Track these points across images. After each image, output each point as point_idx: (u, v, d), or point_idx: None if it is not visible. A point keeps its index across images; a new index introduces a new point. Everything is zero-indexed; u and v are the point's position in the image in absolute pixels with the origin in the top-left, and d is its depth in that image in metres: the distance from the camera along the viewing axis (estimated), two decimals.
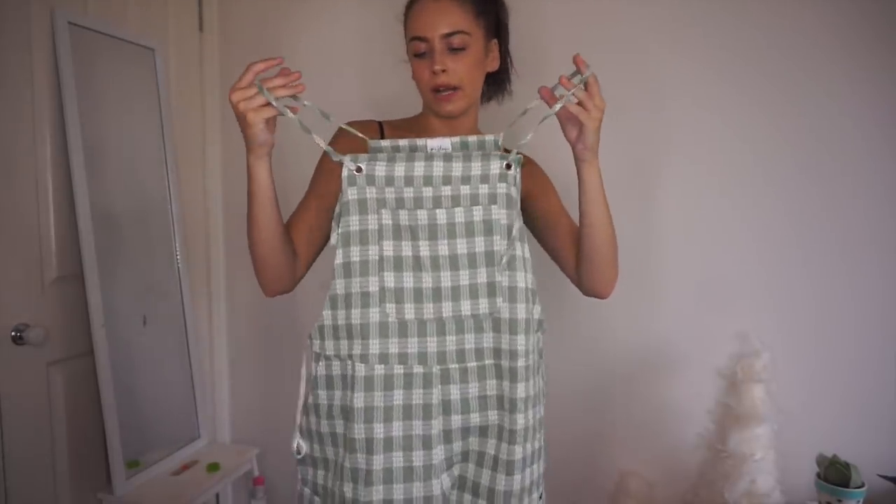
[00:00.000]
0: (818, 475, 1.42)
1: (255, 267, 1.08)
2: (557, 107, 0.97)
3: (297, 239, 1.12)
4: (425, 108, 1.20)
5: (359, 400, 0.95)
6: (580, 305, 1.19)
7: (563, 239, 1.17)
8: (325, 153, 1.01)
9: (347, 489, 0.96)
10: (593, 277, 1.13)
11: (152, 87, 1.77)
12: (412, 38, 1.11)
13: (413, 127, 1.22)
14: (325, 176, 1.14)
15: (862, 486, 1.37)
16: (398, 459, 0.95)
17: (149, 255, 1.75)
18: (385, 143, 1.00)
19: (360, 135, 1.02)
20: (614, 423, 1.71)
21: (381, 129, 1.20)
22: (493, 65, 1.19)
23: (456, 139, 0.99)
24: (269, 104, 0.93)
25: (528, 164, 1.22)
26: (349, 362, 0.97)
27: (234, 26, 1.96)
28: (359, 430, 0.95)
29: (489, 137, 1.00)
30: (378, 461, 0.94)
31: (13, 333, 1.42)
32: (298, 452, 1.06)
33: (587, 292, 1.17)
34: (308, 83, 1.98)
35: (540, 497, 1.08)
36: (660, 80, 1.60)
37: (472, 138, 1.00)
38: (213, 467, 1.78)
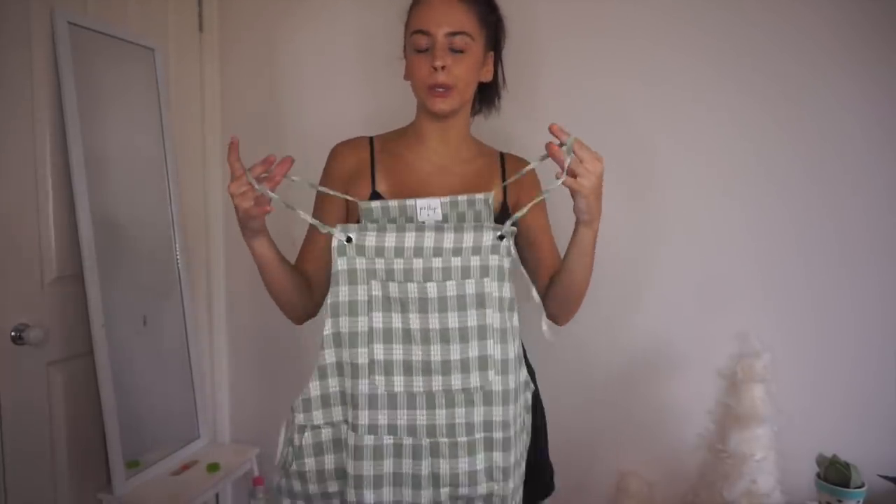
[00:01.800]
0: (818, 475, 1.42)
1: (278, 306, 1.17)
2: (558, 183, 0.96)
3: (310, 270, 1.18)
4: (417, 114, 1.21)
5: (349, 467, 0.96)
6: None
7: (541, 261, 1.21)
8: (323, 185, 1.12)
9: None
10: (558, 310, 1.19)
11: (152, 87, 1.77)
12: (415, 32, 1.12)
13: (404, 137, 1.23)
14: (326, 206, 1.19)
15: (862, 486, 1.37)
16: None
17: (149, 254, 1.75)
18: (375, 204, 1.02)
19: (344, 196, 1.08)
20: (614, 424, 1.71)
21: (371, 144, 1.22)
22: (487, 75, 1.20)
23: (446, 199, 1.01)
24: (252, 188, 0.96)
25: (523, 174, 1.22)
26: (343, 427, 0.98)
27: (234, 26, 1.96)
28: (350, 495, 0.96)
29: (479, 196, 1.01)
30: None
31: (13, 333, 1.42)
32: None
33: (548, 315, 1.19)
34: (307, 83, 1.98)
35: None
36: (658, 78, 1.59)
37: (462, 197, 1.01)
38: (213, 467, 1.78)
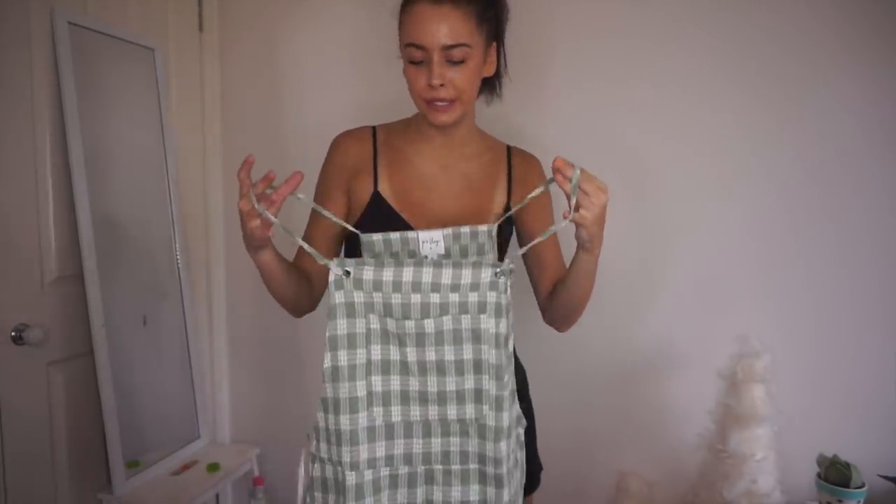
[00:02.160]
0: (819, 475, 1.42)
1: (277, 302, 1.15)
2: (564, 223, 0.94)
3: (309, 267, 1.16)
4: (419, 113, 1.18)
5: None
6: None
7: (545, 269, 1.21)
8: (324, 177, 1.14)
9: None
10: (559, 320, 1.20)
11: (152, 88, 1.77)
12: (408, 44, 1.04)
13: (408, 130, 1.20)
14: (327, 206, 1.16)
15: (862, 486, 1.37)
16: None
17: (149, 254, 1.75)
18: (377, 237, 1.02)
19: (345, 224, 1.06)
20: (614, 424, 1.71)
21: (374, 134, 1.20)
22: (490, 69, 1.14)
23: (448, 231, 1.01)
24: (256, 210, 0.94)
25: (530, 170, 1.22)
26: (339, 468, 0.97)
27: (234, 26, 1.96)
28: None
29: (482, 228, 1.01)
30: None
31: (13, 333, 1.42)
32: None
33: (548, 322, 1.23)
34: (307, 82, 1.97)
35: None
36: (660, 79, 1.59)
37: (465, 229, 1.01)
38: (213, 467, 1.78)
